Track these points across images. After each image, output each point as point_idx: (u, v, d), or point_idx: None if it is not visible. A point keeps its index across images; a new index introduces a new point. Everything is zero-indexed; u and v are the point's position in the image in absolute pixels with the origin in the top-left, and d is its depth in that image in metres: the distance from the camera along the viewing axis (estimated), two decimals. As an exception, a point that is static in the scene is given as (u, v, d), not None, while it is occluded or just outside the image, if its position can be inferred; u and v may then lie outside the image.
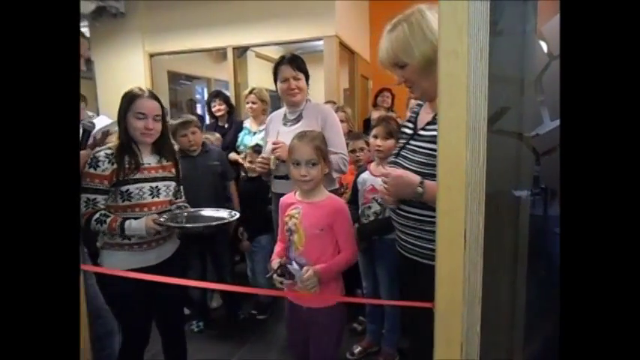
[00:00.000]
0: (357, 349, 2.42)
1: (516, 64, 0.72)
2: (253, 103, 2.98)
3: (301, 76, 1.97)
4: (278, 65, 1.99)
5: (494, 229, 0.69)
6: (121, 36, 4.10)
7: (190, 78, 5.48)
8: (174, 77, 4.91)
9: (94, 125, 1.52)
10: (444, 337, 0.68)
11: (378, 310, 2.35)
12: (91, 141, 1.53)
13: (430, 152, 1.09)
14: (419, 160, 1.13)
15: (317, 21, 3.65)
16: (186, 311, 2.32)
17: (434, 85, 0.95)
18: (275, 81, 2.02)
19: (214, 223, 1.51)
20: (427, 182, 1.04)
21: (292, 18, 3.76)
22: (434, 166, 0.77)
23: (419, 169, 1.10)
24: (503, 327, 0.77)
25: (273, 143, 1.95)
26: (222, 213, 1.61)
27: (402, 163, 1.18)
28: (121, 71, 4.05)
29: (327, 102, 3.18)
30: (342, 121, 3.18)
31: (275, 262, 1.48)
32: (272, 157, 1.87)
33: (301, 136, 1.48)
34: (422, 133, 1.17)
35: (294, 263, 1.40)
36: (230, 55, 4.00)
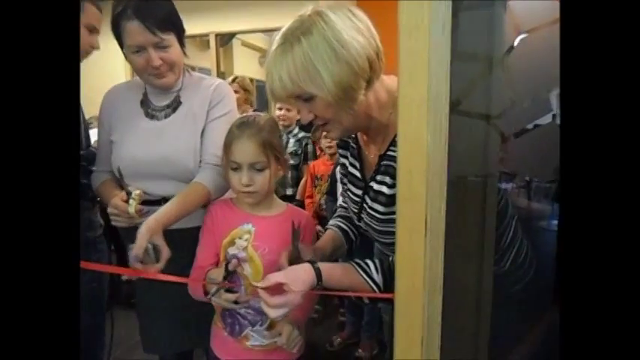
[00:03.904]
0: (337, 341, 2.42)
1: (484, 41, 0.68)
2: (236, 92, 2.92)
3: (170, 37, 1.10)
4: (118, 20, 1.09)
5: (458, 216, 0.66)
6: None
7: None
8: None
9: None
10: (404, 328, 0.65)
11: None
12: None
13: (392, 216, 0.82)
14: (387, 229, 0.90)
15: (306, 7, 3.58)
16: None
17: (359, 117, 0.84)
18: (120, 45, 1.14)
19: None
20: (323, 268, 0.84)
21: (280, 4, 3.69)
22: None
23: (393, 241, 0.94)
24: (468, 319, 0.74)
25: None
26: None
27: (375, 237, 0.98)
28: (100, 59, 3.93)
29: None
30: (235, 92, 2.79)
31: (215, 273, 0.99)
32: (132, 200, 1.08)
33: (242, 125, 1.03)
34: (375, 187, 0.91)
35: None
36: (213, 42, 3.92)
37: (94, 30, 1.33)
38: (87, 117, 1.50)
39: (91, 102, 1.48)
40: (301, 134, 2.79)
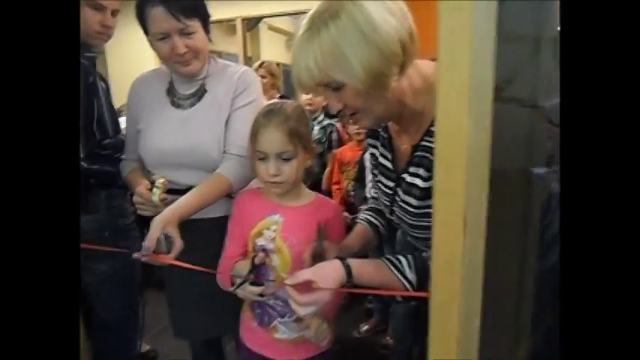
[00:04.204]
0: (365, 328, 2.41)
1: (533, 21, 0.62)
2: (263, 77, 2.90)
3: (194, 23, 1.09)
4: (143, 6, 1.08)
5: (500, 210, 0.61)
6: (128, 10, 4.01)
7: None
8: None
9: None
10: (439, 329, 0.62)
11: (385, 290, 2.32)
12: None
13: (426, 210, 0.82)
14: (420, 223, 0.87)
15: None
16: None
17: (391, 105, 0.79)
18: (145, 32, 1.13)
19: None
20: (353, 264, 0.81)
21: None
22: None
23: (427, 235, 0.90)
24: (508, 320, 0.70)
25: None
26: None
27: (408, 231, 0.93)
28: (129, 45, 3.98)
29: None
30: (262, 77, 2.73)
31: (241, 266, 0.99)
32: (156, 189, 1.08)
33: (268, 113, 0.99)
34: (408, 179, 0.87)
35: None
36: (239, 26, 3.89)
37: (115, 13, 1.35)
38: (117, 105, 1.51)
39: (120, 89, 1.48)
40: (326, 121, 2.74)
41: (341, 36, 0.70)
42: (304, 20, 0.76)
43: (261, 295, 0.93)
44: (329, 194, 2.51)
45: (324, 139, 2.70)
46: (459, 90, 0.53)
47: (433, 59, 0.85)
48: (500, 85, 0.56)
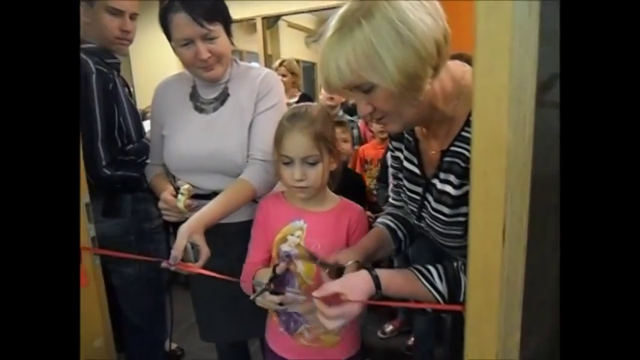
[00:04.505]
0: (389, 328, 2.38)
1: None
2: (283, 75, 2.89)
3: (217, 28, 1.08)
4: (166, 13, 1.07)
5: (540, 220, 0.58)
6: (151, 9, 4.06)
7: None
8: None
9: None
10: (476, 344, 0.59)
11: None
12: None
13: (459, 218, 0.81)
14: (452, 232, 0.85)
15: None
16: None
17: (422, 109, 0.76)
18: (168, 38, 1.12)
19: None
20: (381, 275, 0.79)
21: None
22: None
23: (459, 244, 0.85)
24: (548, 335, 0.67)
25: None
26: None
27: (437, 239, 0.91)
28: (153, 47, 4.04)
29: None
30: (283, 75, 2.77)
31: (263, 273, 0.97)
32: (180, 196, 1.08)
33: (293, 117, 0.98)
34: (438, 186, 0.84)
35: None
36: (259, 25, 3.89)
37: (134, 16, 1.36)
38: (140, 108, 1.52)
39: (143, 94, 1.49)
40: (345, 117, 2.71)
41: (375, 35, 0.66)
42: (333, 20, 0.72)
43: (280, 304, 0.91)
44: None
45: (345, 137, 2.68)
46: (498, 96, 0.50)
47: (454, 57, 0.82)
48: (541, 89, 0.53)
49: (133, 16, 1.37)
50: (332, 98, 2.65)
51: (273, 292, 0.90)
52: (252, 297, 0.93)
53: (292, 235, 1.01)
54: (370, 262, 0.93)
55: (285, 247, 1.01)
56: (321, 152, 0.96)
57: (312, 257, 0.93)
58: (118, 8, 1.32)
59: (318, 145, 0.95)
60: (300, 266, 1.00)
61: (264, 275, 0.95)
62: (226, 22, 1.12)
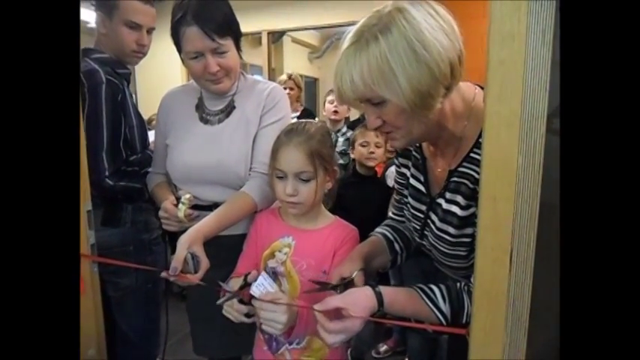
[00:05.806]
0: (383, 348, 2.36)
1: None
2: (291, 89, 2.92)
3: (227, 42, 1.09)
4: (178, 26, 1.07)
5: (547, 244, 0.58)
6: (156, 22, 4.11)
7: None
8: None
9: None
10: (480, 369, 0.59)
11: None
12: None
13: (464, 239, 0.81)
14: (456, 252, 0.84)
15: (356, 4, 3.49)
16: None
17: (431, 127, 0.77)
18: (178, 50, 1.13)
19: None
20: (385, 292, 0.78)
21: (330, 1, 3.64)
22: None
23: (462, 265, 0.85)
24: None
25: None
26: None
27: (439, 259, 0.91)
28: (157, 58, 4.07)
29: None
30: (290, 89, 2.87)
31: (236, 280, 0.93)
32: (181, 205, 1.07)
33: (290, 132, 0.98)
34: (444, 206, 0.83)
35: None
36: (265, 39, 3.94)
37: (150, 30, 1.37)
38: (145, 118, 1.52)
39: (148, 104, 1.49)
40: (350, 133, 2.72)
41: (391, 51, 0.67)
42: (350, 33, 0.74)
43: (247, 315, 0.86)
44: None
45: (349, 151, 2.69)
46: (509, 122, 0.51)
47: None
48: (551, 116, 0.54)
49: (150, 30, 1.39)
50: (336, 112, 2.67)
51: (242, 302, 0.86)
52: (218, 302, 0.89)
53: (280, 251, 0.99)
54: (371, 277, 0.92)
55: (271, 264, 0.99)
56: (315, 169, 0.95)
57: (323, 285, 0.88)
58: (137, 22, 1.33)
59: (312, 162, 0.94)
60: (285, 284, 0.98)
61: (235, 282, 0.92)
62: (237, 36, 1.13)
